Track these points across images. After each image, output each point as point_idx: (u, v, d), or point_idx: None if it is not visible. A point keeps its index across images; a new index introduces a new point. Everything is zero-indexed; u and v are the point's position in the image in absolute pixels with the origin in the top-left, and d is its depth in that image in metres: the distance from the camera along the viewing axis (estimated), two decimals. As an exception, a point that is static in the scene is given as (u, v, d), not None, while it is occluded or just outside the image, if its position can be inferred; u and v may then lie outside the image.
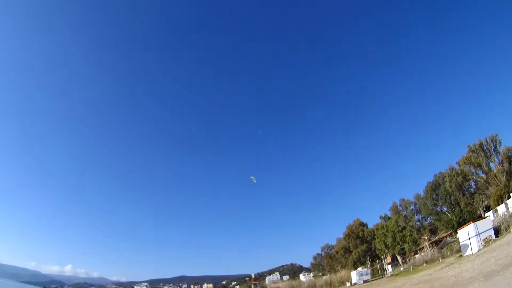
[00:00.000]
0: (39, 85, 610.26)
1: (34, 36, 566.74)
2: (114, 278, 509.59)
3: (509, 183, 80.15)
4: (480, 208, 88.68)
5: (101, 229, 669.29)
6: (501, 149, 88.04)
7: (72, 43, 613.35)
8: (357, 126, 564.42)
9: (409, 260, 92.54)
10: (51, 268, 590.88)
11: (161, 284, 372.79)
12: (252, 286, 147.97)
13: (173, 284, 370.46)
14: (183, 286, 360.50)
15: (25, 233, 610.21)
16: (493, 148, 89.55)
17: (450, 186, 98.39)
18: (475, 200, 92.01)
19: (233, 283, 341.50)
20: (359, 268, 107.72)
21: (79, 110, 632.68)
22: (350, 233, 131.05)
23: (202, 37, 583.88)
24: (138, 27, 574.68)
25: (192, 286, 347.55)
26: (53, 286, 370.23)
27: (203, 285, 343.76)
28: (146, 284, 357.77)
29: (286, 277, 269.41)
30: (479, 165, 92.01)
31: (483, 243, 50.00)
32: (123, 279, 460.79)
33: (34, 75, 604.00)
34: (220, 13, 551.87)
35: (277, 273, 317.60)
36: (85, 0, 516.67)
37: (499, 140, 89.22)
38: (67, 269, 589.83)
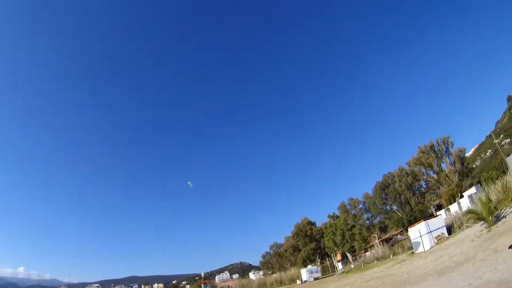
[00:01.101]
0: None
1: None
2: (66, 279, 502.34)
3: (461, 183, 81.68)
4: (432, 207, 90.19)
5: (51, 230, 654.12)
6: (453, 150, 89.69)
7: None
8: (308, 125, 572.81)
9: (360, 258, 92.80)
10: (4, 271, 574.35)
11: (112, 284, 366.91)
12: (202, 285, 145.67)
13: (124, 285, 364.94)
14: (134, 286, 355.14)
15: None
16: (444, 149, 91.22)
17: (400, 186, 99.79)
18: (426, 199, 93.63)
19: (183, 282, 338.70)
20: (309, 266, 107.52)
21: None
22: (299, 231, 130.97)
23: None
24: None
25: (143, 286, 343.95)
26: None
27: (153, 285, 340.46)
28: (98, 285, 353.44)
29: (236, 276, 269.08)
30: (430, 166, 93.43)
31: (435, 241, 49.87)
32: (75, 280, 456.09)
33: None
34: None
35: (227, 272, 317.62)
36: None
37: (451, 142, 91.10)
38: (20, 271, 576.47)
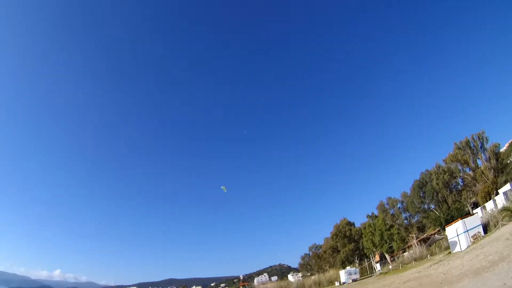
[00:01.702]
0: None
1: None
2: (103, 282, 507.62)
3: (496, 180, 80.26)
4: (468, 205, 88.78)
5: (89, 234, 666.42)
6: (488, 146, 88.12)
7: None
8: (343, 127, 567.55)
9: (398, 258, 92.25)
10: (40, 273, 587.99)
11: (149, 287, 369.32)
12: (241, 287, 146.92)
13: (161, 287, 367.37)
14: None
15: (14, 239, 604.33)
16: (480, 145, 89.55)
17: (437, 184, 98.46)
18: (462, 197, 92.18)
19: (221, 285, 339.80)
20: (348, 267, 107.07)
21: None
22: (338, 232, 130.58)
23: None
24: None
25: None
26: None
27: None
28: (135, 287, 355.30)
29: (274, 278, 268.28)
30: (466, 162, 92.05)
31: (472, 240, 49.68)
32: (112, 283, 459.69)
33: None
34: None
35: (266, 274, 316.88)
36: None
37: (486, 137, 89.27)
38: (55, 274, 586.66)
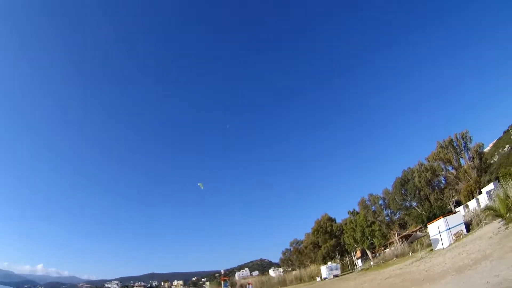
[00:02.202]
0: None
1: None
2: (85, 276, 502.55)
3: (479, 179, 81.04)
4: (451, 203, 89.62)
5: (70, 227, 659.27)
6: (471, 145, 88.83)
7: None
8: (327, 121, 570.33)
9: (379, 255, 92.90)
10: (23, 268, 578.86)
11: (131, 281, 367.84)
12: (222, 282, 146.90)
13: (143, 282, 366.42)
14: (153, 283, 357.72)
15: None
16: (463, 144, 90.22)
17: (419, 182, 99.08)
18: (445, 195, 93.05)
19: (203, 279, 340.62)
20: (329, 263, 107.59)
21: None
22: (319, 228, 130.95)
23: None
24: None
25: (162, 283, 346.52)
26: (26, 286, 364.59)
27: (173, 282, 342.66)
28: (117, 282, 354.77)
29: (255, 273, 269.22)
30: (449, 161, 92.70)
31: (454, 238, 50.03)
32: (94, 277, 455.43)
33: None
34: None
35: (247, 269, 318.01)
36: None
37: (470, 137, 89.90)
38: (38, 268, 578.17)
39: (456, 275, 29.87)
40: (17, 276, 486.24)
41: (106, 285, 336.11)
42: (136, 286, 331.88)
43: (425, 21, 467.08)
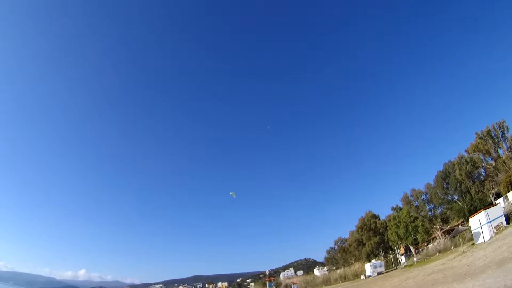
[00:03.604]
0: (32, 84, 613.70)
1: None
2: (128, 280, 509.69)
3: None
4: (491, 195, 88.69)
5: (113, 232, 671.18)
6: (509, 135, 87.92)
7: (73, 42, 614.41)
8: (366, 118, 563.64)
9: (422, 250, 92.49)
10: (64, 274, 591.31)
11: (176, 284, 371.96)
12: (267, 282, 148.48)
13: (187, 284, 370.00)
14: (198, 286, 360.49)
15: (37, 239, 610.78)
16: (501, 134, 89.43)
17: (460, 175, 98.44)
18: (485, 187, 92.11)
19: (247, 280, 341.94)
20: (373, 260, 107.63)
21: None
22: (363, 225, 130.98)
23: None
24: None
25: (207, 285, 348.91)
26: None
27: (217, 284, 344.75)
28: (161, 285, 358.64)
29: (300, 272, 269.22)
30: (488, 152, 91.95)
31: (494, 231, 50.17)
32: (137, 281, 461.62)
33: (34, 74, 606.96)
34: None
35: (291, 269, 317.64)
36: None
37: (507, 126, 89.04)
38: (80, 274, 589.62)
39: (496, 268, 30.40)
40: (58, 282, 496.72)
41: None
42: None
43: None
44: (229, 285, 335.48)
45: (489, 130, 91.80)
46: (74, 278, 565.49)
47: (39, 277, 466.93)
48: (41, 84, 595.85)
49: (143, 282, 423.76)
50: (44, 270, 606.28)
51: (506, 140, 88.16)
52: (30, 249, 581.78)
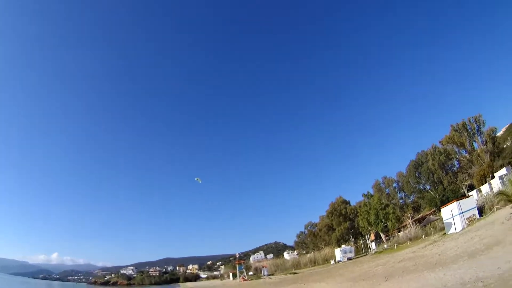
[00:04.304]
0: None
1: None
2: (100, 263, 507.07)
3: (492, 163, 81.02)
4: (464, 187, 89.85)
5: (84, 215, 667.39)
6: (484, 129, 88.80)
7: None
8: (340, 104, 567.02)
9: (393, 238, 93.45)
10: (37, 258, 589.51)
11: (147, 267, 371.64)
12: (237, 265, 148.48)
13: (158, 267, 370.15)
14: (169, 268, 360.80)
15: (9, 223, 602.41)
16: (476, 128, 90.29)
17: (433, 165, 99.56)
18: (458, 179, 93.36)
19: (218, 263, 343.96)
20: (343, 246, 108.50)
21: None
22: (333, 210, 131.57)
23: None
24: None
25: (177, 267, 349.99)
26: (41, 275, 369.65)
27: (188, 266, 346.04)
28: (132, 267, 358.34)
29: (270, 256, 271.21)
30: (462, 145, 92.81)
31: (467, 222, 50.45)
32: (109, 264, 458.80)
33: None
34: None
35: (261, 252, 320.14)
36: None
37: (483, 121, 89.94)
38: (53, 258, 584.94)
39: (468, 259, 30.21)
40: (32, 266, 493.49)
41: (122, 271, 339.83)
42: (152, 271, 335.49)
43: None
44: (199, 267, 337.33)
45: (465, 123, 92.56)
46: (47, 262, 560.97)
47: (12, 261, 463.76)
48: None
49: (115, 265, 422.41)
50: (17, 255, 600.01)
51: (481, 134, 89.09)
52: (3, 234, 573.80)
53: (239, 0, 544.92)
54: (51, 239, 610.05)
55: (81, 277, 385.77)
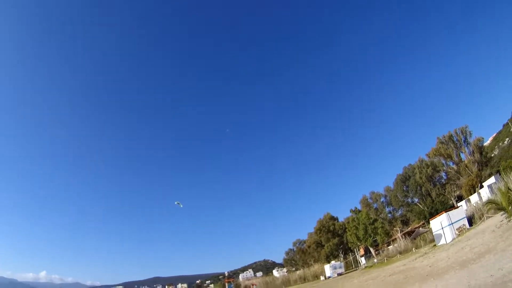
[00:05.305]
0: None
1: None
2: (89, 282, 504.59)
3: (480, 173, 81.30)
4: (452, 198, 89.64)
5: (73, 234, 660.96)
6: (471, 140, 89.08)
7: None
8: (327, 122, 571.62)
9: (383, 252, 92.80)
10: (26, 275, 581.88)
11: (136, 286, 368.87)
12: (226, 284, 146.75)
13: (147, 286, 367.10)
14: (158, 287, 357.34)
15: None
16: (463, 139, 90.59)
17: (420, 178, 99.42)
18: (446, 190, 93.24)
19: (207, 281, 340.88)
20: (332, 262, 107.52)
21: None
22: (321, 227, 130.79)
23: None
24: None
25: (166, 286, 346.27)
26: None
27: (177, 286, 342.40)
28: (121, 287, 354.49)
29: (259, 274, 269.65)
30: (449, 156, 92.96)
31: (457, 232, 49.96)
32: (98, 283, 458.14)
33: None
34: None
35: (251, 270, 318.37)
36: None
37: (469, 131, 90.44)
38: (41, 276, 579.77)
39: (460, 269, 29.82)
40: (20, 284, 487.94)
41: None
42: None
43: (422, 19, 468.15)
44: (189, 286, 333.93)
45: (451, 135, 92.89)
46: (35, 279, 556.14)
47: (1, 278, 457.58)
48: None
49: (103, 283, 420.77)
50: (6, 273, 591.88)
51: (468, 145, 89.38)
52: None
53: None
54: (40, 257, 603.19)
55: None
